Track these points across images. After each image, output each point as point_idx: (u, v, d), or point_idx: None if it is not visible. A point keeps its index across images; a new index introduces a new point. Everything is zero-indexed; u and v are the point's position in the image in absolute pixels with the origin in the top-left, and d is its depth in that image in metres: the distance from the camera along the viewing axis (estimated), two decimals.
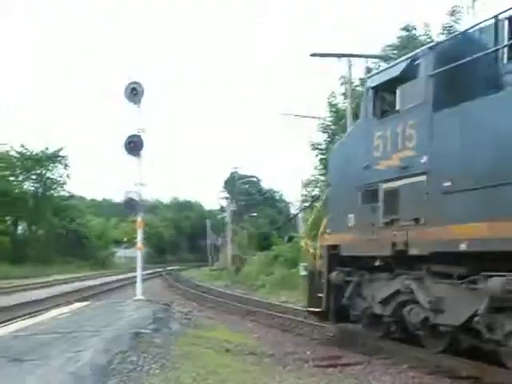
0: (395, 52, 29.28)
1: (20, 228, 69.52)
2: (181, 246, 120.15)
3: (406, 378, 9.05)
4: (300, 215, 37.78)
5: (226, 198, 79.60)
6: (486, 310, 8.51)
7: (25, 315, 17.55)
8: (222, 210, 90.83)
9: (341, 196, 12.37)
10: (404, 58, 11.02)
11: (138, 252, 20.21)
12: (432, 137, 9.57)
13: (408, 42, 28.92)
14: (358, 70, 30.65)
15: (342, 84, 31.57)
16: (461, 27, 24.57)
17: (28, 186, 70.39)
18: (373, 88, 11.57)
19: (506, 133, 8.23)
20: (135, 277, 21.96)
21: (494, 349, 8.87)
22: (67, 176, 71.05)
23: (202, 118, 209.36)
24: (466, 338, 9.46)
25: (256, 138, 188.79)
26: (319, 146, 33.67)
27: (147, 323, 12.39)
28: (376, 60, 30.61)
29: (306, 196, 38.27)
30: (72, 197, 78.27)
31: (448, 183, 9.07)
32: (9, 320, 16.10)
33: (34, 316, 15.98)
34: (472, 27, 10.68)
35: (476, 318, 8.67)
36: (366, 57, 29.35)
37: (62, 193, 73.52)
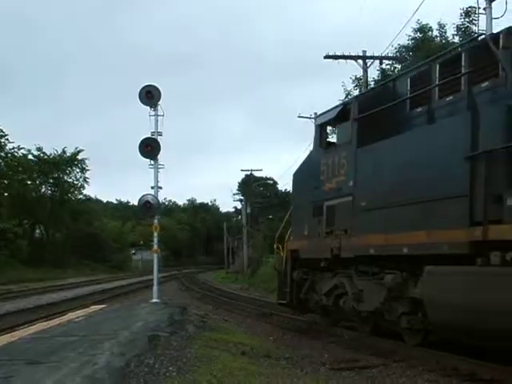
0: (410, 54, 29.17)
1: (37, 231, 69.89)
2: (197, 249, 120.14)
3: (422, 381, 8.99)
4: None
5: (241, 201, 79.40)
6: (385, 298, 11.60)
7: (42, 318, 17.67)
8: (237, 212, 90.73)
9: (300, 210, 15.52)
10: (341, 103, 14.38)
11: (155, 255, 20.31)
12: (356, 167, 12.59)
13: (423, 44, 28.76)
14: (372, 70, 30.58)
15: (357, 86, 31.47)
16: (476, 28, 24.41)
17: (45, 189, 70.84)
18: (319, 125, 14.83)
19: (396, 168, 11.11)
20: (151, 280, 22.06)
21: (396, 328, 11.75)
22: (85, 180, 71.45)
23: (221, 117, 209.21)
24: (382, 321, 12.22)
25: (275, 139, 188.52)
26: None
27: (163, 326, 12.43)
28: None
29: None
30: (89, 200, 78.63)
31: (364, 203, 12.09)
32: (26, 323, 16.23)
33: (51, 319, 16.08)
34: (388, 81, 13.72)
35: (378, 305, 11.84)
36: (381, 58, 29.27)
37: (80, 196, 73.89)
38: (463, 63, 10.62)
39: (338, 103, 15.74)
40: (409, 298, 11.01)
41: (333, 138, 15.49)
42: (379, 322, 12.47)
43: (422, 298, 10.19)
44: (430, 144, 10.31)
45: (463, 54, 10.77)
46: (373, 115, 12.44)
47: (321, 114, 15.17)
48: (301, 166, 16.15)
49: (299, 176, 16.04)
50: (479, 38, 11.02)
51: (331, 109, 14.36)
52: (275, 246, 17.70)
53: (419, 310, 10.64)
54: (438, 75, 11.34)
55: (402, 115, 12.13)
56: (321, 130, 14.73)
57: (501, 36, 9.93)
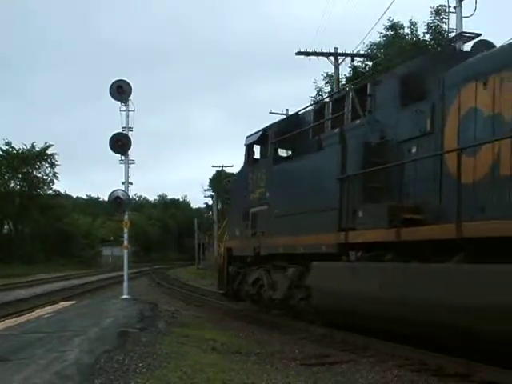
0: (381, 51, 29.27)
1: (6, 227, 68.95)
2: (168, 245, 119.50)
3: (391, 376, 9.05)
4: None
5: (212, 197, 79.29)
6: (289, 287, 14.26)
7: (10, 315, 17.47)
8: (208, 208, 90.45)
9: (234, 214, 18.65)
10: (261, 128, 16.88)
11: (125, 251, 20.20)
12: (272, 181, 15.47)
13: (394, 41, 28.89)
14: (344, 67, 30.64)
15: (328, 83, 31.55)
16: (446, 27, 24.60)
17: (14, 184, 69.95)
18: (247, 145, 17.70)
19: (296, 184, 14.01)
20: (122, 275, 21.94)
21: (298, 311, 14.21)
22: (54, 175, 70.72)
23: (193, 113, 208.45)
24: (289, 305, 14.61)
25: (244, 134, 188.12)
26: None
27: (133, 322, 12.39)
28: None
29: None
30: (58, 195, 77.79)
31: (276, 211, 14.94)
32: None
33: (20, 315, 15.92)
34: (300, 110, 16.46)
35: (285, 292, 14.43)
36: (353, 56, 29.37)
37: (49, 191, 73.07)
38: (346, 102, 13.68)
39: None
40: (305, 287, 13.41)
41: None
42: (287, 307, 14.88)
43: (311, 286, 12.87)
44: (318, 167, 13.29)
45: (346, 95, 13.91)
46: (284, 140, 15.52)
47: (248, 136, 17.78)
48: (235, 176, 19.37)
49: (235, 185, 19.59)
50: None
51: (256, 132, 17.20)
52: (217, 244, 20.96)
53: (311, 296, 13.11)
54: (330, 110, 14.39)
55: (305, 141, 14.95)
56: (248, 149, 17.69)
57: (368, 85, 13.05)
